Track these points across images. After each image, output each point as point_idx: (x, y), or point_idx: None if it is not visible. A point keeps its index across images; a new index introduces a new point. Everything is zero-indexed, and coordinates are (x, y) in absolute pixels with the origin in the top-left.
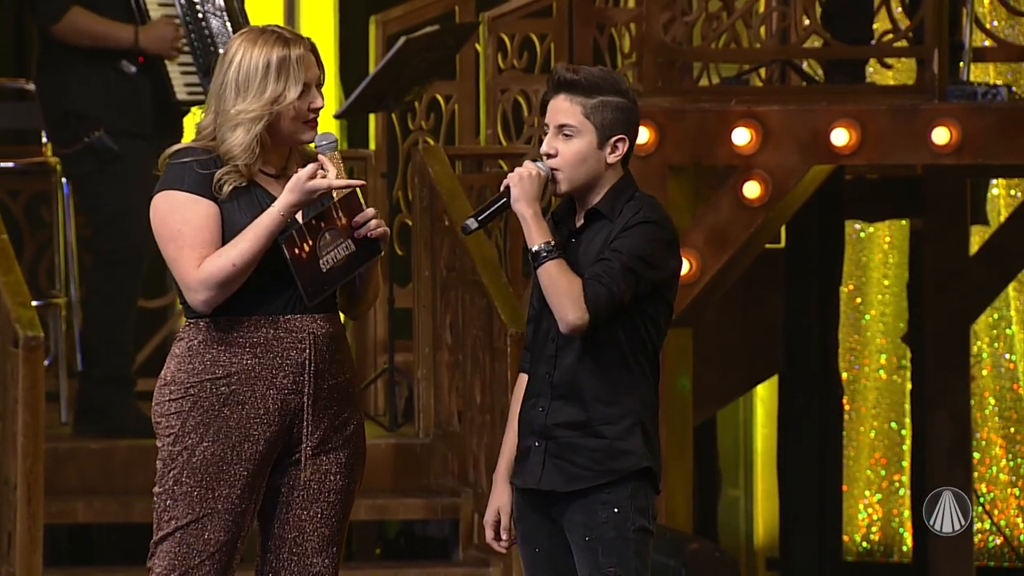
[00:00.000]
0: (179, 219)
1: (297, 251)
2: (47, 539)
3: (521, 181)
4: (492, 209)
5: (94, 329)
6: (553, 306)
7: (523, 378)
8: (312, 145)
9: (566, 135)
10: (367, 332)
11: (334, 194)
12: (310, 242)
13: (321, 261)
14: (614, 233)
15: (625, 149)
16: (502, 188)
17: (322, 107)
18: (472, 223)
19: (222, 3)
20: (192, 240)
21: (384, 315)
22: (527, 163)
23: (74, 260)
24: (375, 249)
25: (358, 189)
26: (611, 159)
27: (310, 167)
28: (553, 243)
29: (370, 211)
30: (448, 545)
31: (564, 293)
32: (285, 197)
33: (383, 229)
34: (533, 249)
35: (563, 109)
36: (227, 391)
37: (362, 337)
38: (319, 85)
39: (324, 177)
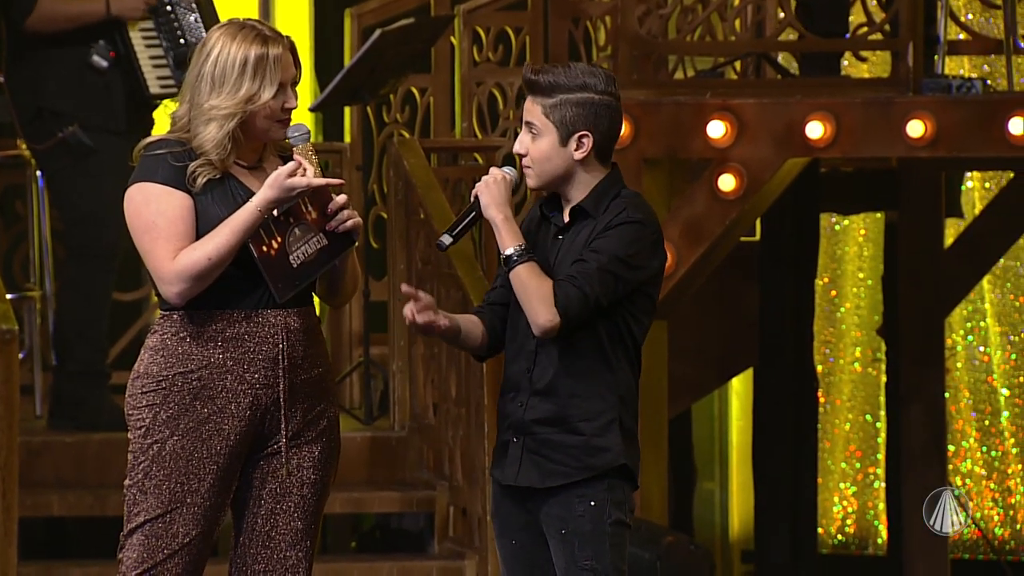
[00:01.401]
0: (153, 211)
1: (265, 248)
2: (22, 532)
3: (488, 187)
4: (465, 221)
5: (68, 324)
6: (525, 309)
7: (471, 316)
8: (287, 140)
9: (533, 134)
10: (342, 325)
11: None
12: (279, 239)
13: (291, 257)
14: (596, 232)
15: (591, 144)
16: (472, 198)
17: (295, 107)
18: (447, 239)
19: None
20: (167, 232)
21: (359, 308)
22: (493, 169)
23: (49, 253)
24: (348, 241)
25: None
26: (578, 155)
27: (290, 165)
28: (524, 246)
29: (341, 199)
30: (423, 538)
31: (534, 296)
32: (264, 193)
33: (354, 221)
34: (505, 253)
35: (528, 109)
36: (198, 385)
37: (337, 330)
38: (294, 84)
39: (304, 175)
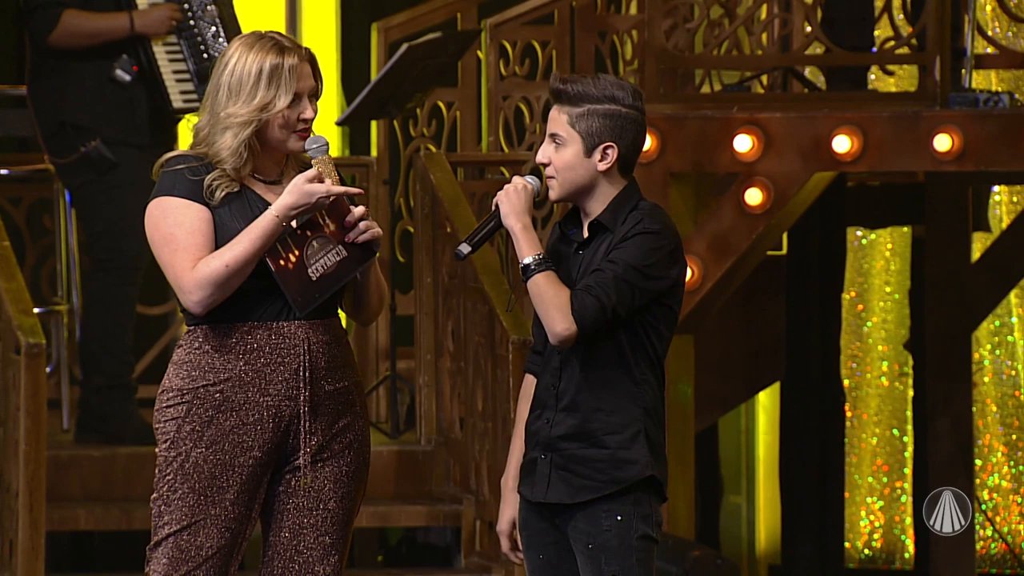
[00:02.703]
0: (172, 223)
1: (282, 263)
2: (49, 546)
3: (508, 196)
4: (484, 231)
5: (93, 337)
6: (542, 318)
7: (529, 379)
8: (306, 152)
9: (557, 144)
10: (369, 339)
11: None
12: (296, 252)
13: (310, 270)
14: (613, 244)
15: (615, 156)
16: (492, 207)
17: (312, 118)
18: (465, 248)
19: (214, 11)
20: (185, 243)
21: (386, 322)
22: (515, 178)
23: (76, 267)
24: (368, 252)
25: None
26: (602, 167)
27: (310, 172)
28: (542, 256)
29: (359, 210)
30: (450, 552)
31: (551, 304)
32: (283, 199)
33: (373, 232)
34: (523, 262)
35: (553, 118)
36: (220, 398)
37: (364, 344)
38: (313, 96)
39: (323, 183)
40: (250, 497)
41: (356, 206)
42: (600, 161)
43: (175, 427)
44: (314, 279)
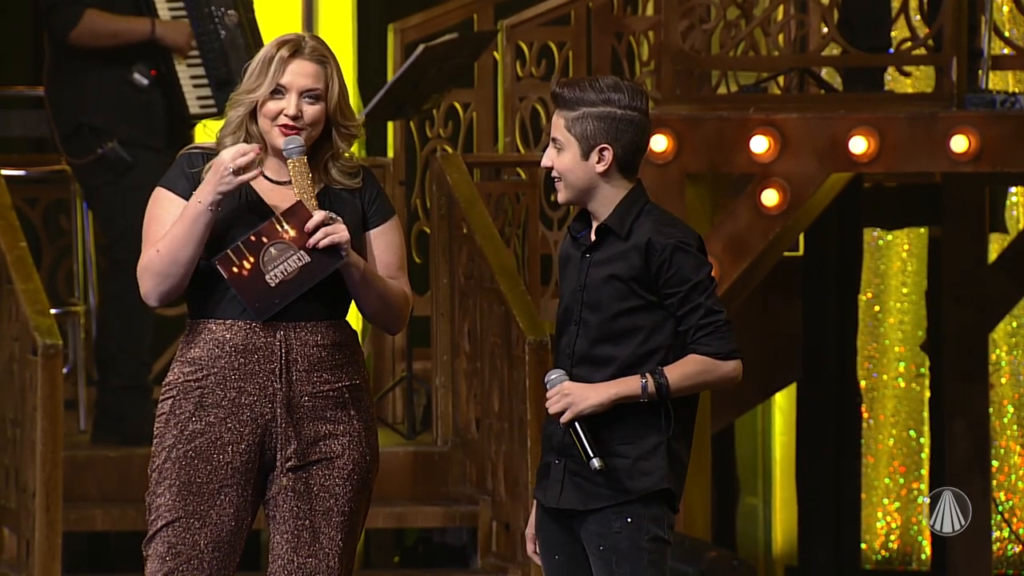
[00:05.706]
0: (151, 215)
1: (236, 270)
2: (65, 547)
3: (572, 396)
4: (586, 441)
5: (110, 338)
6: (714, 388)
7: None
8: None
9: (557, 148)
10: (385, 340)
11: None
12: (251, 259)
13: (267, 276)
14: (655, 265)
15: (611, 157)
16: (561, 423)
17: (292, 115)
18: (597, 462)
19: (234, 16)
20: (153, 237)
21: None
22: (551, 391)
23: (93, 268)
24: (335, 257)
25: (313, 199)
26: (599, 168)
27: (226, 149)
28: (652, 375)
29: (318, 216)
30: (466, 553)
31: (711, 380)
32: (204, 184)
33: (333, 238)
34: (646, 393)
35: (554, 123)
36: (200, 394)
37: (380, 345)
38: (310, 97)
39: (244, 159)
40: (238, 496)
41: (321, 211)
42: (598, 163)
43: (163, 422)
44: (272, 285)
